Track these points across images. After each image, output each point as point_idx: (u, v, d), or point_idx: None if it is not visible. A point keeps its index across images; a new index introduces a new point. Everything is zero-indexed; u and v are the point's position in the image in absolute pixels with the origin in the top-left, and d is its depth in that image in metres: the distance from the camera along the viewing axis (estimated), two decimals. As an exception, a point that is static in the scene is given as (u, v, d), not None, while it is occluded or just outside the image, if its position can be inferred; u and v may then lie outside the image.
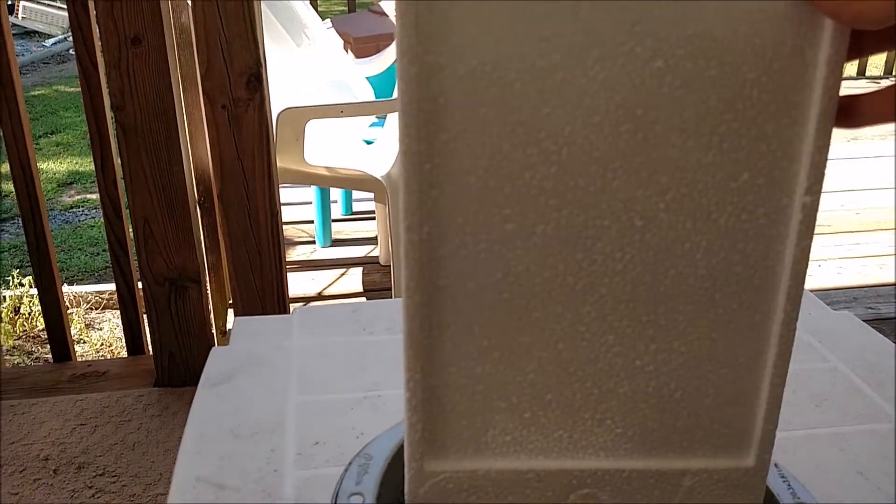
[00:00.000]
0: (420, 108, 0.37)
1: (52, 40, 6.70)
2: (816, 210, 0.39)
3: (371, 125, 2.46)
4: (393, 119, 2.21)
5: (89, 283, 2.95)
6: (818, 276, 2.41)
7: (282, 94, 1.92)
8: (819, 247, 2.60)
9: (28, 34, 6.91)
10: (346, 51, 3.29)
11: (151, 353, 1.62)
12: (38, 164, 1.58)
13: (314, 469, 0.56)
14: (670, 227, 0.40)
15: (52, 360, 1.75)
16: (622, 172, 0.39)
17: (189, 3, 1.37)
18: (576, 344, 0.43)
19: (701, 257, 0.41)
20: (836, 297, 2.22)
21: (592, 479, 0.45)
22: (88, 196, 3.78)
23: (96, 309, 2.63)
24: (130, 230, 1.59)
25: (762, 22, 0.37)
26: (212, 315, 1.75)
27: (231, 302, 1.62)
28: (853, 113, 0.39)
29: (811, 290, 0.86)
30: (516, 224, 0.40)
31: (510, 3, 0.36)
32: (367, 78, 2.36)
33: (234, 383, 0.66)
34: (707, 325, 0.42)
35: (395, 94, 0.39)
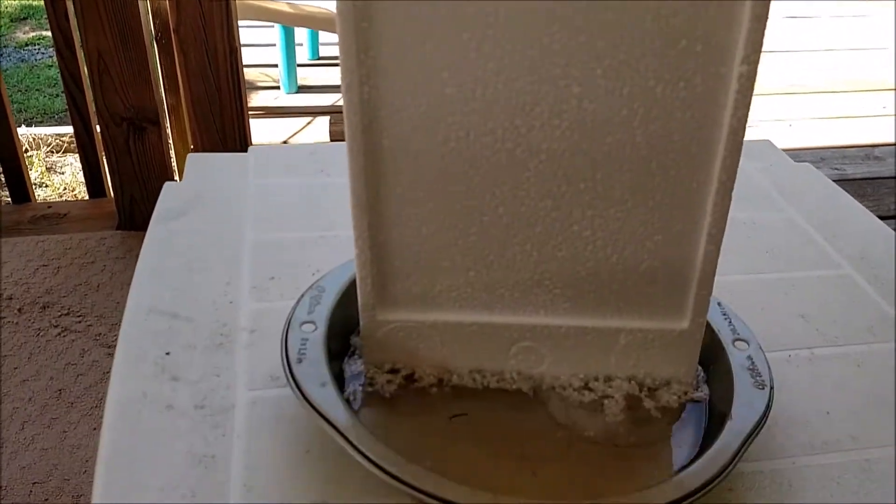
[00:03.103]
0: None
1: None
2: (754, 80, 0.39)
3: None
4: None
5: (49, 125, 2.86)
6: (788, 136, 2.41)
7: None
8: (789, 107, 2.58)
9: None
10: None
11: (113, 196, 1.59)
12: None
13: (269, 302, 0.56)
14: (608, 93, 0.40)
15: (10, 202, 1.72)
16: (560, 36, 0.38)
17: None
18: (516, 208, 0.43)
19: (638, 125, 0.41)
20: (803, 157, 2.22)
21: (532, 334, 0.48)
22: (44, 33, 3.59)
23: (57, 152, 2.56)
24: (84, 67, 1.52)
25: None
26: (173, 160, 1.71)
27: (192, 147, 1.58)
28: None
29: (780, 150, 0.86)
30: (455, 87, 0.40)
31: None
32: None
33: (188, 219, 0.65)
34: (644, 192, 0.43)
35: None
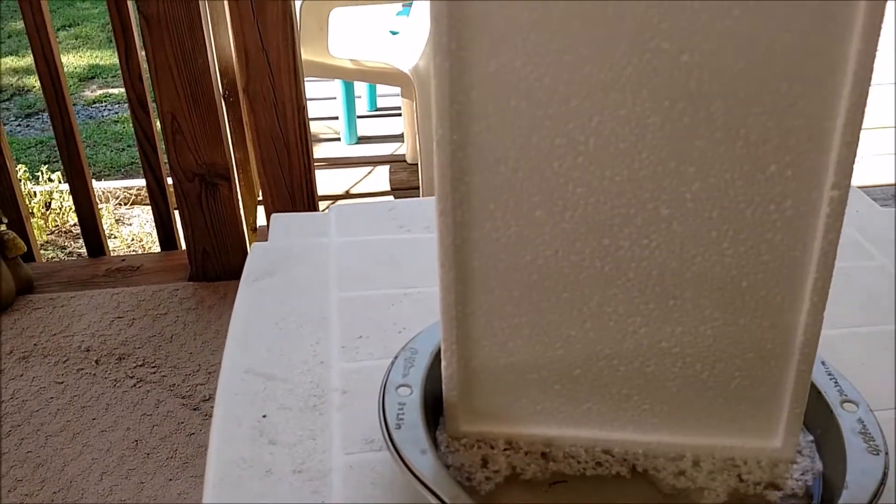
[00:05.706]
0: (453, 101, 0.39)
1: (64, -73, 6.47)
2: (844, 204, 0.39)
3: (397, 14, 2.38)
4: (419, 7, 2.13)
5: (116, 179, 2.96)
6: (858, 172, 2.36)
7: (305, -18, 1.85)
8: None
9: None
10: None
11: (185, 248, 1.63)
12: (60, 58, 1.56)
13: (359, 361, 0.56)
14: (697, 216, 0.40)
15: (86, 255, 1.77)
16: (649, 163, 0.39)
17: None
18: (603, 324, 0.43)
19: (728, 246, 0.41)
20: (874, 195, 2.17)
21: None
22: (111, 91, 3.75)
23: (125, 205, 2.65)
24: (156, 125, 1.58)
25: (790, 19, 0.36)
26: (242, 212, 1.75)
27: (260, 199, 1.62)
28: None
29: (866, 196, 0.84)
30: (545, 211, 0.41)
31: (539, 3, 0.37)
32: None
33: (276, 279, 0.66)
34: (734, 311, 0.42)
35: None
